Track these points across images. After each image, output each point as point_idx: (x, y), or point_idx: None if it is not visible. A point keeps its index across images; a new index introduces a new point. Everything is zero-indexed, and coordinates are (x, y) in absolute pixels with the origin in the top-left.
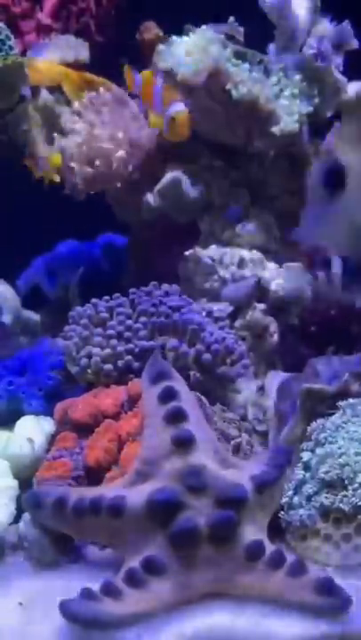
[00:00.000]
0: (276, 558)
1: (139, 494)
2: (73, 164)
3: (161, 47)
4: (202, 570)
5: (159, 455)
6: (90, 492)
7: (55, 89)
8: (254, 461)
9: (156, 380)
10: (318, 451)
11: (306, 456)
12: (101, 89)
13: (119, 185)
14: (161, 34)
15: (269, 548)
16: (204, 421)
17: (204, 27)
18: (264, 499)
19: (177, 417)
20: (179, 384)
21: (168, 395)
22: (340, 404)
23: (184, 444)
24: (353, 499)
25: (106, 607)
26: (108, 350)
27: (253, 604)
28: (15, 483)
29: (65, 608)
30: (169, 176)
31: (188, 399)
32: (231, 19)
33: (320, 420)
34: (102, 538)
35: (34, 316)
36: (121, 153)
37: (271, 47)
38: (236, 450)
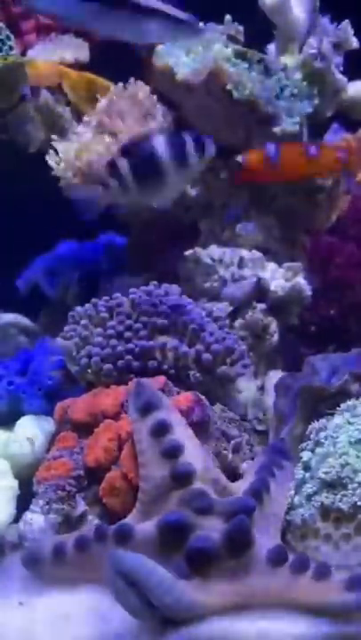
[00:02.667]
0: (300, 563)
1: (147, 523)
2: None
3: (160, 47)
4: (223, 584)
5: (160, 493)
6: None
7: (55, 89)
8: (247, 477)
9: (145, 411)
10: (318, 450)
11: (306, 456)
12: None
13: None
14: None
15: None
16: (198, 445)
17: (203, 26)
18: (265, 507)
19: (174, 452)
20: (168, 412)
21: (161, 429)
22: (341, 405)
23: (184, 478)
24: (353, 498)
25: None
26: (108, 350)
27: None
28: (15, 483)
29: None
30: None
31: (179, 425)
32: (228, 17)
33: (320, 420)
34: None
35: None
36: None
37: (271, 47)
38: (236, 450)
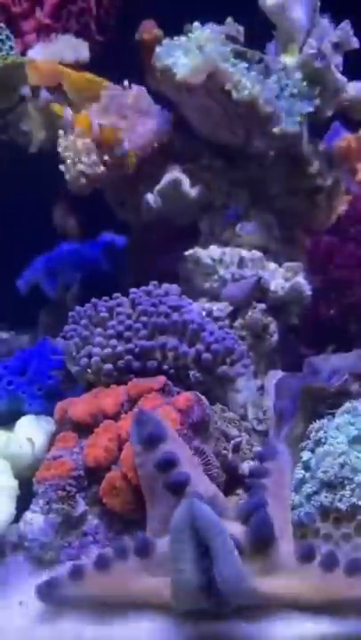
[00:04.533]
0: (330, 559)
1: (165, 538)
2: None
3: (160, 47)
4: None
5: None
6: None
7: (55, 89)
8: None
9: (149, 443)
10: (318, 450)
11: (306, 456)
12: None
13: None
14: (160, 34)
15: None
16: (201, 472)
17: (203, 26)
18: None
19: (181, 486)
20: (173, 442)
21: (168, 464)
22: (342, 406)
23: None
24: (352, 498)
25: None
26: (108, 350)
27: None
28: (15, 482)
29: None
30: (169, 176)
31: (185, 458)
32: (229, 19)
33: (320, 420)
34: (132, 587)
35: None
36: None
37: (271, 47)
38: (236, 450)
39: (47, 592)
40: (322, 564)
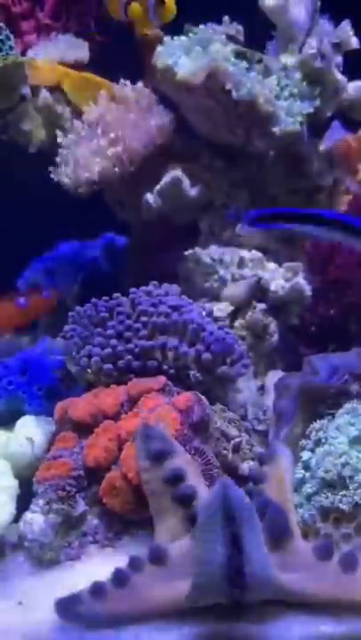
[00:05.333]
0: (350, 558)
1: (177, 542)
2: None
3: (160, 47)
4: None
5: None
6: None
7: (55, 89)
8: None
9: (157, 459)
10: (318, 450)
11: (306, 455)
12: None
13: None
14: (160, 34)
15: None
16: (201, 480)
17: (203, 26)
18: None
19: (188, 499)
20: (180, 457)
21: (176, 478)
22: (343, 406)
23: None
24: (353, 498)
25: None
26: (108, 350)
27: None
28: (15, 482)
29: None
30: (169, 176)
31: (191, 472)
32: (226, 18)
33: (320, 420)
34: (153, 597)
35: None
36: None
37: (271, 47)
38: (236, 450)
39: (67, 608)
40: (341, 562)
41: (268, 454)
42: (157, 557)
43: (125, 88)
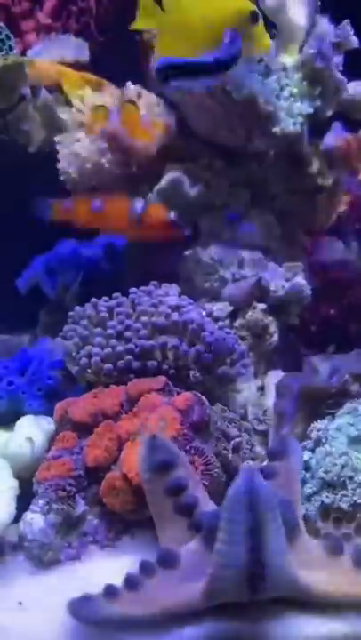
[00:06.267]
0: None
1: (186, 545)
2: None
3: None
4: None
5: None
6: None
7: (55, 89)
8: None
9: (160, 470)
10: (318, 450)
11: (306, 456)
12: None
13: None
14: None
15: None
16: (202, 488)
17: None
18: None
19: (190, 508)
20: (182, 468)
21: (178, 488)
22: (343, 406)
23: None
24: (353, 498)
25: None
26: (108, 350)
27: None
28: (15, 482)
29: None
30: (169, 176)
31: (194, 482)
32: None
33: (320, 420)
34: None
35: None
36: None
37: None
38: (236, 450)
39: (80, 608)
40: (354, 558)
41: (281, 450)
42: (168, 561)
43: (130, 90)
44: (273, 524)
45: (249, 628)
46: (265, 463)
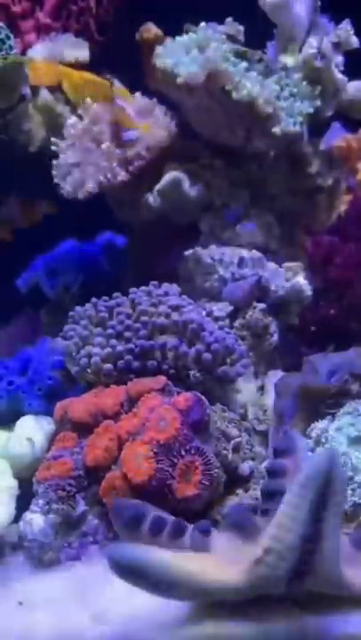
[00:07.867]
0: None
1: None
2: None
3: (160, 47)
4: None
5: None
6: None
7: (55, 89)
8: None
9: (134, 525)
10: (319, 450)
11: None
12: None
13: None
14: (160, 34)
15: None
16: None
17: (203, 25)
18: None
19: (182, 530)
20: (151, 511)
21: (158, 529)
22: (343, 407)
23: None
24: (353, 498)
25: None
26: (108, 350)
27: None
28: (15, 482)
29: None
30: (169, 176)
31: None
32: (229, 19)
33: (320, 420)
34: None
35: None
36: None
37: (271, 47)
38: (236, 450)
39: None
40: None
41: (288, 447)
42: (201, 544)
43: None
44: (337, 512)
45: (296, 622)
46: (267, 461)
